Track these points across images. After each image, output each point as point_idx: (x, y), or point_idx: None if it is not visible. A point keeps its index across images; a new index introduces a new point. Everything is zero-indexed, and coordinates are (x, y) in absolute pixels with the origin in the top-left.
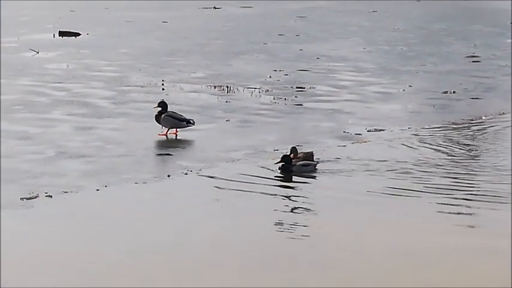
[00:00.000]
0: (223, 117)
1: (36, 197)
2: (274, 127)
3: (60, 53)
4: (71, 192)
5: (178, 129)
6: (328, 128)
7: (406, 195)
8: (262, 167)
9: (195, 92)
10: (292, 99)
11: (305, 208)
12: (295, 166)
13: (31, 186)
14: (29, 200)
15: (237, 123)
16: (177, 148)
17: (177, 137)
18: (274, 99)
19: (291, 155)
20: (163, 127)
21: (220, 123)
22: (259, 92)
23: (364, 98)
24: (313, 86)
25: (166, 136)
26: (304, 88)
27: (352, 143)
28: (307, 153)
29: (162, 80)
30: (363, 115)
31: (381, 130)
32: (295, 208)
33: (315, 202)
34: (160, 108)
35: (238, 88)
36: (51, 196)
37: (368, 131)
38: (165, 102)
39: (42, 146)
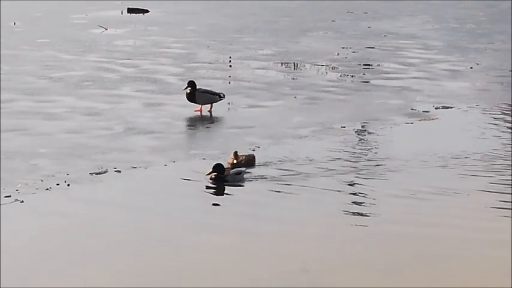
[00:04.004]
0: (290, 94)
1: (105, 172)
2: (342, 104)
3: (128, 29)
4: (139, 167)
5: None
6: (396, 105)
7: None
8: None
9: (262, 69)
10: (359, 77)
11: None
12: (229, 176)
13: (100, 161)
14: (98, 175)
15: (304, 100)
16: (245, 124)
17: (237, 113)
18: (341, 76)
19: (233, 161)
20: (199, 104)
21: (287, 100)
22: (326, 69)
23: (432, 76)
24: (381, 64)
25: (211, 112)
26: (372, 65)
27: (420, 120)
28: (249, 155)
29: (230, 57)
30: (430, 92)
31: (449, 108)
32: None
33: (379, 200)
34: (190, 89)
35: (306, 65)
36: (119, 171)
37: (436, 108)
38: (193, 81)
39: (111, 121)
